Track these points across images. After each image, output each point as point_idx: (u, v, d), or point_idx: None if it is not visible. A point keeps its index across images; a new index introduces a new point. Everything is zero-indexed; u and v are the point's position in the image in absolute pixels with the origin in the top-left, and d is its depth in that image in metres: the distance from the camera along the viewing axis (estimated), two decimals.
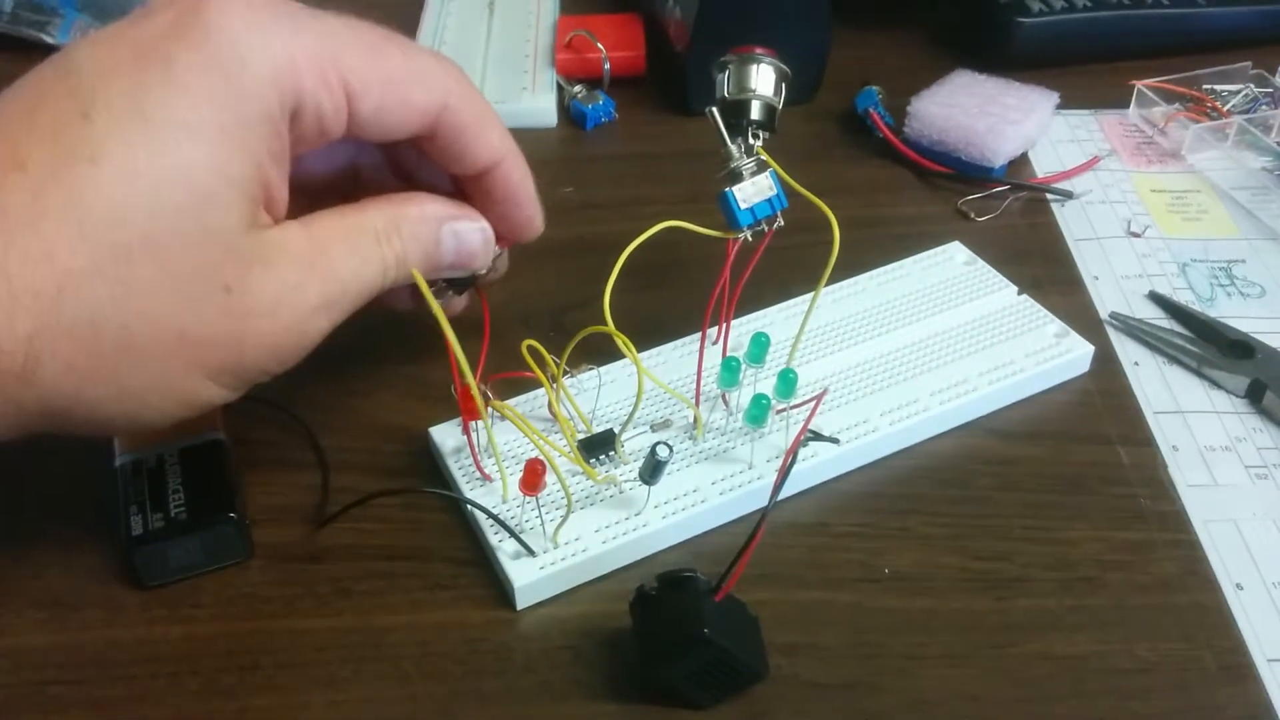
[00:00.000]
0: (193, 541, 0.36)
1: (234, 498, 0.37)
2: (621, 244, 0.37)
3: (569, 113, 0.61)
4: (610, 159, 0.58)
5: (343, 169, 0.39)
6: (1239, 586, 0.37)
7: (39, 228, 0.28)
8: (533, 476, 0.35)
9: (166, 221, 0.29)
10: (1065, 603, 0.36)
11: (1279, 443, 0.42)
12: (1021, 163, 0.57)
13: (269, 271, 0.31)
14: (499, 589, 0.37)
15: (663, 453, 0.35)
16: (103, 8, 0.67)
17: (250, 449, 0.41)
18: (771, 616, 0.34)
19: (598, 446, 0.39)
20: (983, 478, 0.41)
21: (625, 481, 0.38)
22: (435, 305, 0.35)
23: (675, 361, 0.44)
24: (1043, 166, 0.57)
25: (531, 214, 0.39)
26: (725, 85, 0.39)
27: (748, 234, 0.38)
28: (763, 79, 0.39)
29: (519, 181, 0.37)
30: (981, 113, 0.55)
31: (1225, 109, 0.59)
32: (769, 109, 0.39)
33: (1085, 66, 0.64)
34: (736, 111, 0.39)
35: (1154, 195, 0.55)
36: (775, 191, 0.38)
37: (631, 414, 0.38)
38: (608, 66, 0.62)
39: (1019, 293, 0.47)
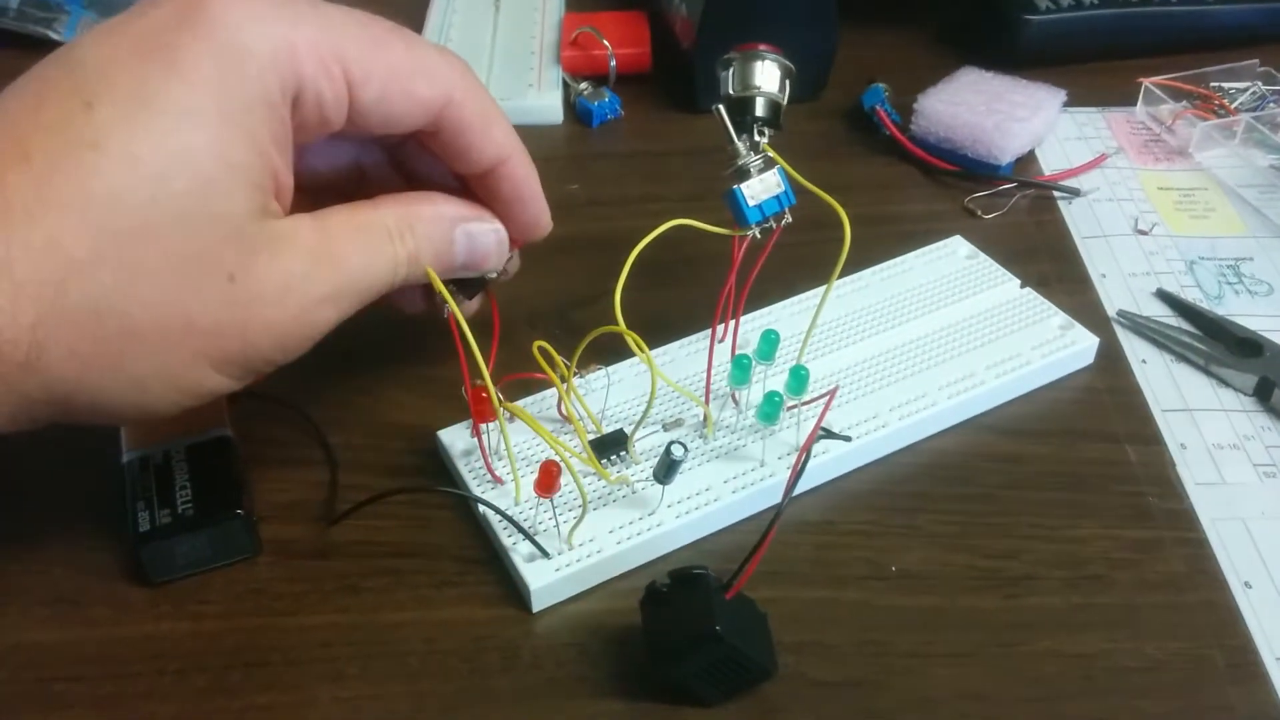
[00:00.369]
0: (200, 538, 0.36)
1: (241, 494, 0.37)
2: (628, 241, 0.37)
3: (575, 110, 0.61)
4: (616, 156, 0.58)
5: (347, 169, 0.39)
6: (1247, 585, 0.37)
7: (42, 217, 0.28)
8: (548, 478, 0.35)
9: (170, 207, 0.29)
10: (1073, 601, 0.36)
11: None
12: (1028, 160, 0.57)
13: (275, 260, 0.31)
14: (507, 586, 0.37)
15: (678, 452, 0.35)
16: (108, 4, 0.67)
17: (258, 446, 0.41)
18: (779, 614, 0.34)
19: (609, 446, 0.39)
20: (990, 475, 0.41)
21: (638, 481, 0.38)
22: (455, 308, 0.35)
23: (683, 359, 0.44)
24: (1050, 164, 0.57)
25: (538, 213, 0.38)
26: (730, 83, 0.39)
27: (756, 231, 0.38)
28: (767, 76, 0.39)
29: (525, 179, 0.37)
30: (988, 110, 0.55)
31: (1233, 106, 0.59)
32: (774, 106, 0.39)
33: (1092, 64, 0.64)
34: (742, 109, 0.39)
35: (1161, 193, 0.55)
36: (783, 188, 0.38)
37: (644, 414, 0.38)
38: (613, 63, 0.62)
39: (1022, 286, 0.47)
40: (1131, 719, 0.33)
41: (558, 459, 0.35)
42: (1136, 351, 0.46)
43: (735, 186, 0.38)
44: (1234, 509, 0.39)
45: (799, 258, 0.43)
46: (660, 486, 0.37)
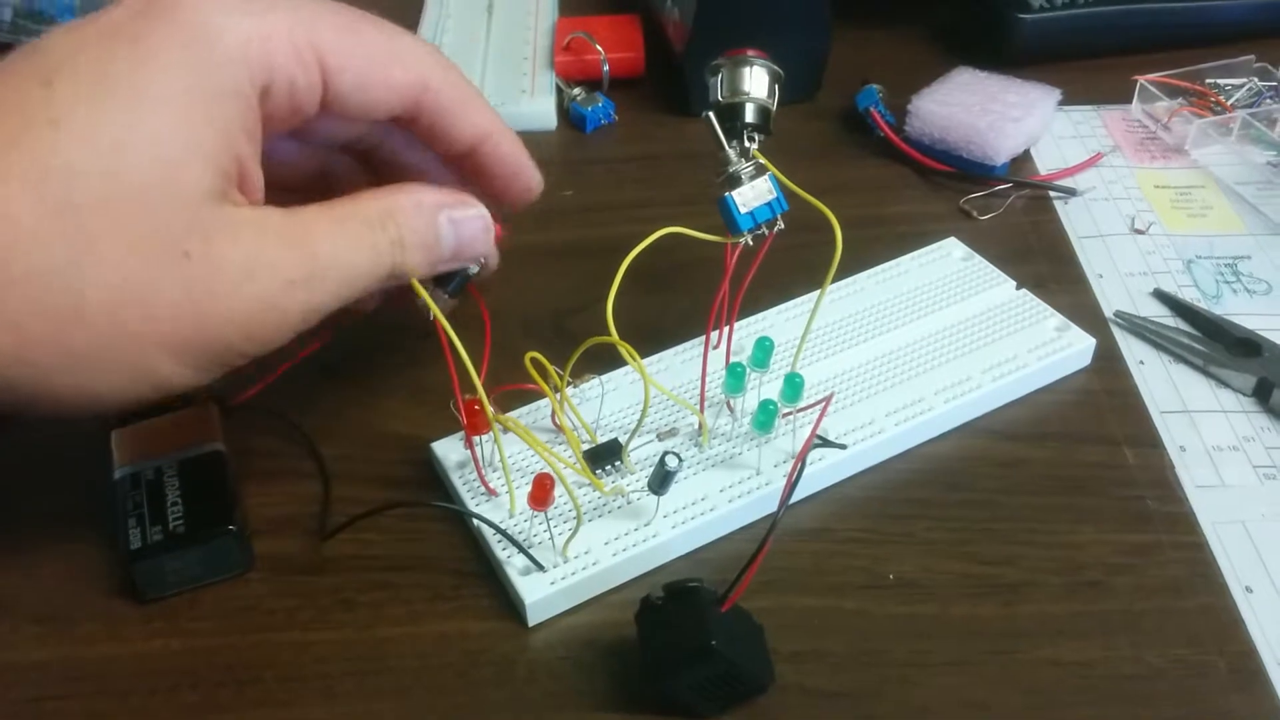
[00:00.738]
0: (192, 554, 0.36)
1: (233, 509, 0.37)
2: (622, 247, 0.37)
3: (568, 115, 0.60)
4: (610, 161, 0.58)
5: (317, 173, 0.38)
6: (1248, 589, 0.37)
7: None
8: (542, 491, 0.35)
9: (127, 182, 0.28)
10: (1072, 607, 0.36)
11: None
12: (1024, 160, 0.56)
13: (237, 242, 0.30)
14: (501, 600, 0.36)
15: (672, 463, 0.35)
16: None
17: (250, 459, 0.41)
18: (775, 624, 0.34)
19: (603, 457, 0.39)
20: (987, 480, 0.40)
21: (633, 492, 0.38)
22: (437, 310, 0.34)
23: (678, 367, 0.43)
24: (1045, 164, 0.56)
25: (529, 180, 0.38)
26: (718, 89, 0.39)
27: (748, 238, 0.38)
28: (755, 81, 0.38)
29: (510, 152, 0.37)
30: (983, 110, 0.54)
31: (1229, 103, 0.58)
32: (763, 111, 0.38)
33: (1087, 62, 0.63)
34: (731, 115, 0.38)
35: (1158, 191, 0.55)
36: (775, 195, 0.38)
37: (638, 424, 0.38)
38: (606, 68, 0.62)
39: (1018, 287, 0.47)
40: None
41: (551, 472, 0.35)
42: (1134, 353, 0.46)
43: (726, 194, 0.37)
44: (1234, 511, 0.39)
45: (793, 261, 0.43)
46: (654, 497, 0.37)
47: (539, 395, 0.40)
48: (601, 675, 0.34)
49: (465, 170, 0.37)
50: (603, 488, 0.38)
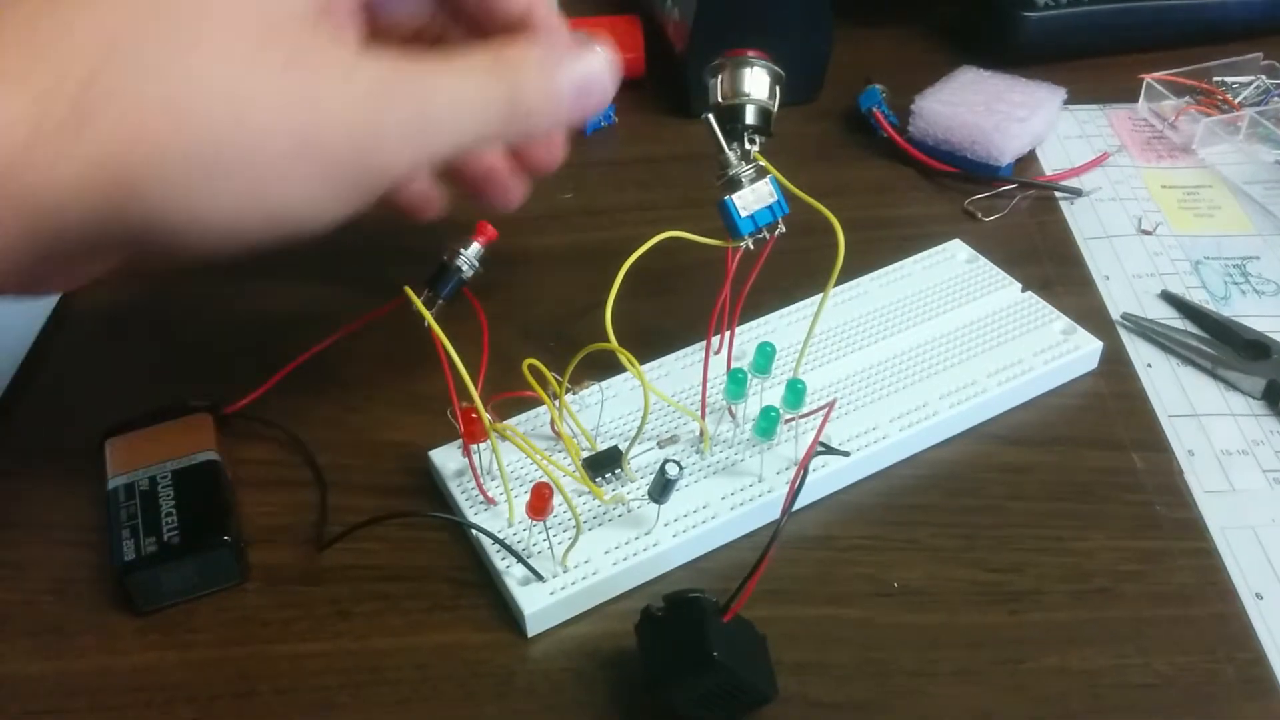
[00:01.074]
0: (186, 566, 0.36)
1: (228, 520, 0.37)
2: (622, 250, 0.36)
3: None
4: (610, 164, 0.57)
5: (422, 28, 0.36)
6: (1259, 596, 0.36)
7: None
8: (540, 501, 0.34)
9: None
10: (1080, 615, 0.36)
11: None
12: (1029, 160, 0.56)
13: (337, 51, 0.28)
14: (500, 610, 0.36)
15: (672, 471, 0.35)
16: None
17: (246, 467, 0.40)
18: (778, 634, 0.33)
19: (603, 464, 0.39)
20: (993, 486, 0.40)
21: (633, 500, 0.38)
22: (433, 322, 0.34)
23: (678, 373, 0.43)
24: (1050, 164, 0.56)
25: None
26: (718, 90, 0.38)
27: (749, 242, 0.38)
28: (755, 82, 0.38)
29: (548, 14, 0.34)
30: (987, 110, 0.54)
31: (1236, 101, 0.58)
32: (764, 112, 0.38)
33: (1092, 60, 0.63)
34: (731, 116, 0.38)
35: (1165, 191, 0.54)
36: (776, 198, 0.37)
37: (638, 431, 0.38)
38: None
39: (1023, 290, 0.46)
40: None
41: (549, 481, 0.35)
42: (1142, 355, 0.45)
43: (727, 197, 0.37)
44: (1244, 517, 0.38)
45: (795, 264, 0.42)
46: (655, 505, 0.37)
47: (538, 402, 0.39)
48: (601, 687, 0.34)
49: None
50: (602, 496, 0.37)
